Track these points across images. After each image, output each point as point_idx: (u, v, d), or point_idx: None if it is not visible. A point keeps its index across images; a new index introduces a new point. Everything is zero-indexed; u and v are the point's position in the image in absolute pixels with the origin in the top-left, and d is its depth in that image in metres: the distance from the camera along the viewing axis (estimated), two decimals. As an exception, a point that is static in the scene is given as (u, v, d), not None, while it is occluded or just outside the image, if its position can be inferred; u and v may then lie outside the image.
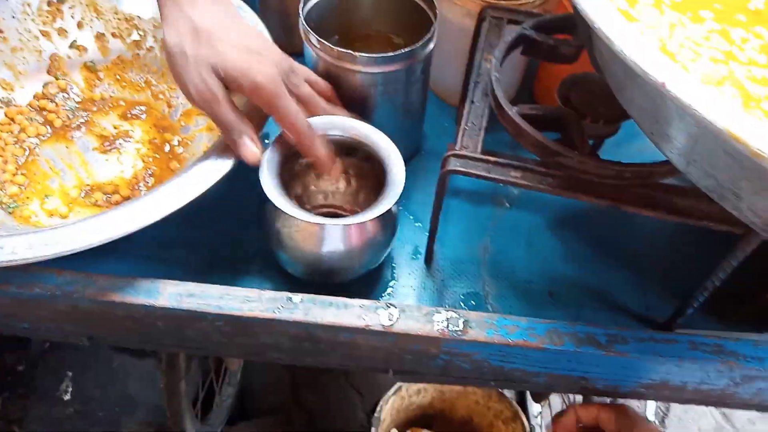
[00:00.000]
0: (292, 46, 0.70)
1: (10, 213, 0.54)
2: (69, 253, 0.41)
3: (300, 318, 0.44)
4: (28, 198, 0.56)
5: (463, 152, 0.47)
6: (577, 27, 0.54)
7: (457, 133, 0.48)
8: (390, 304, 0.45)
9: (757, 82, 0.29)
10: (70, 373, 1.22)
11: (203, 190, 0.46)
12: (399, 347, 0.46)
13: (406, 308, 0.46)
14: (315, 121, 0.52)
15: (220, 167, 0.47)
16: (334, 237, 0.48)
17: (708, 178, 0.32)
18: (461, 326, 0.45)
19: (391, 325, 0.45)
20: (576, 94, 0.51)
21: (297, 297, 0.46)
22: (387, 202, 0.47)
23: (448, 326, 0.45)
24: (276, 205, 0.46)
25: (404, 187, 0.48)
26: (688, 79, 0.26)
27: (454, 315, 0.45)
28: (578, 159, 0.45)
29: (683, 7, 0.33)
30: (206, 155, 0.49)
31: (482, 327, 0.45)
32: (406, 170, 0.49)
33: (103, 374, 1.20)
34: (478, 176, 0.46)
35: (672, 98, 0.26)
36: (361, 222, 0.46)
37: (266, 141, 0.50)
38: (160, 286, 0.45)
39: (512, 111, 0.47)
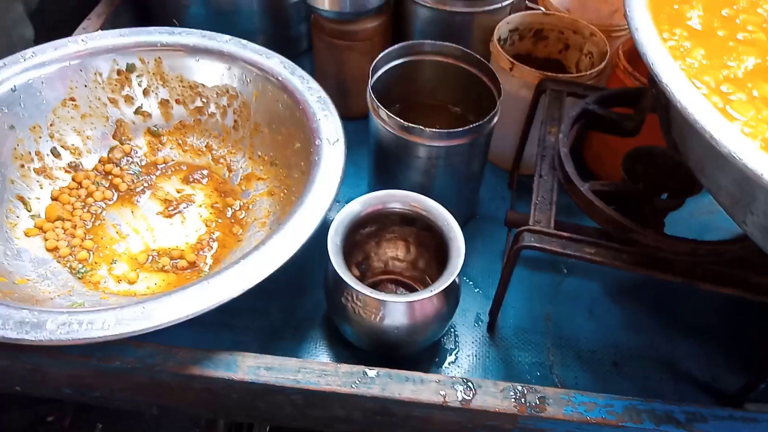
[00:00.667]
0: (347, 110, 0.72)
1: (79, 278, 0.55)
2: (160, 328, 0.41)
3: (377, 393, 0.44)
4: (96, 263, 0.57)
5: (537, 227, 0.47)
6: (639, 102, 0.55)
7: (531, 207, 0.49)
8: (466, 380, 0.45)
9: None
10: (100, 425, 1.20)
11: (285, 261, 0.46)
12: (474, 422, 0.46)
13: (482, 383, 0.45)
14: (376, 194, 0.53)
15: (299, 236, 0.48)
16: (399, 312, 0.49)
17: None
18: (538, 403, 0.45)
19: (469, 401, 0.44)
20: (641, 167, 0.52)
21: (372, 371, 0.46)
22: (449, 276, 0.47)
23: (525, 402, 0.45)
24: (346, 281, 0.46)
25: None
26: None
27: (531, 391, 0.45)
28: (652, 237, 0.46)
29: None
30: (283, 224, 0.49)
31: (560, 404, 0.45)
32: (464, 235, 0.50)
33: (134, 426, 1.18)
34: (553, 252, 0.46)
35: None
36: (426, 298, 0.47)
37: (337, 201, 0.51)
38: (239, 359, 0.45)
39: (584, 187, 0.48)
